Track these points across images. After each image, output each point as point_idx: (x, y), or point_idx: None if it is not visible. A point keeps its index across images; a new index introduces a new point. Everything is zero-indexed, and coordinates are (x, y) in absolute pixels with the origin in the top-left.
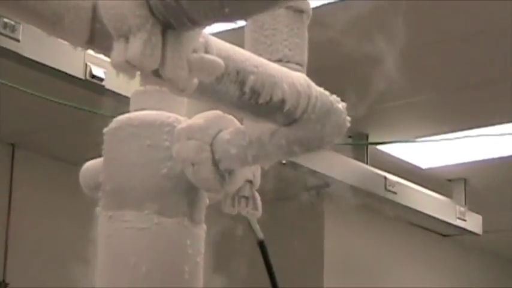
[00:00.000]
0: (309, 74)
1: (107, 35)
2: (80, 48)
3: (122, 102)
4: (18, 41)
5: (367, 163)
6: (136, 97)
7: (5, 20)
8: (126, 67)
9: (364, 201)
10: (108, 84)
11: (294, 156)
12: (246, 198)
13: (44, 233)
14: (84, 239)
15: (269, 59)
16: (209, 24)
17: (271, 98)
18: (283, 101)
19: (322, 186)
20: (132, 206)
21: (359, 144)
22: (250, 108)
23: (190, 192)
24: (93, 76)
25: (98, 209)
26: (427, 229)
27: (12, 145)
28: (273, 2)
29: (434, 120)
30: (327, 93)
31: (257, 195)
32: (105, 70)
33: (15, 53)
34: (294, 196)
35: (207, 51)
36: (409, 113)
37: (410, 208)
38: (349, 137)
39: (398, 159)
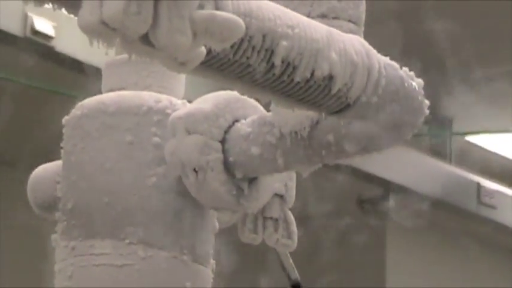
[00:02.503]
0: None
1: None
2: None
3: (85, 75)
4: None
5: (450, 161)
6: (112, 70)
7: None
8: (102, 30)
9: (447, 220)
10: (59, 45)
11: (345, 159)
12: (275, 220)
13: None
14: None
15: (308, 14)
16: None
17: (313, 74)
18: (330, 78)
19: (383, 197)
20: (106, 233)
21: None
22: (282, 88)
23: (191, 211)
24: (37, 32)
25: (55, 237)
26: None
27: None
28: None
29: None
30: (395, 64)
31: (291, 216)
32: (54, 24)
33: None
34: (341, 212)
35: (218, 6)
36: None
37: None
38: (424, 123)
39: (498, 156)
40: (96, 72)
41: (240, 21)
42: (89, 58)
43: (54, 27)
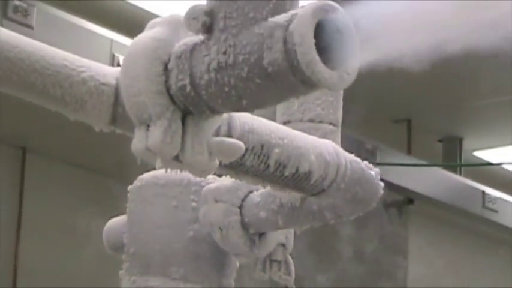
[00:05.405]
0: None
1: (129, 118)
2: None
3: None
4: (31, 27)
5: (460, 173)
6: None
7: (16, 2)
8: (147, 154)
9: (457, 221)
10: None
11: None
12: (278, 262)
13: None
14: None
15: (301, 119)
16: (228, 112)
17: (297, 170)
18: (310, 173)
19: (405, 202)
20: (157, 271)
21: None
22: (276, 180)
23: (218, 255)
24: None
25: (122, 273)
26: None
27: (23, 149)
28: (291, 94)
29: None
30: (357, 159)
31: (290, 259)
32: None
33: None
34: (370, 214)
35: (229, 127)
36: None
37: None
38: (439, 141)
39: (501, 168)
40: None
41: (241, 144)
42: None
43: None
